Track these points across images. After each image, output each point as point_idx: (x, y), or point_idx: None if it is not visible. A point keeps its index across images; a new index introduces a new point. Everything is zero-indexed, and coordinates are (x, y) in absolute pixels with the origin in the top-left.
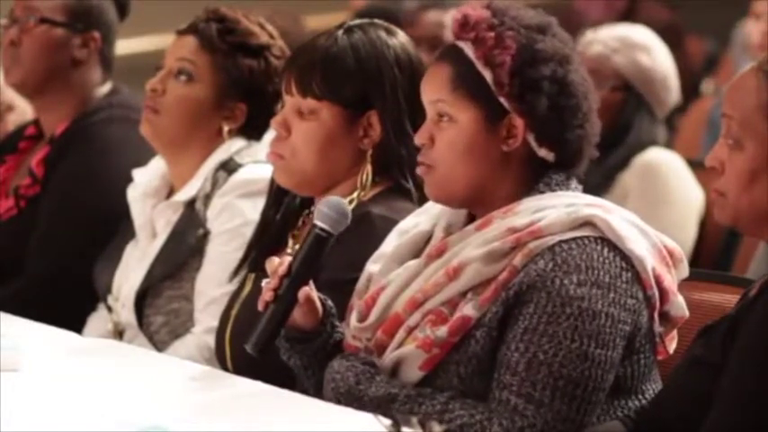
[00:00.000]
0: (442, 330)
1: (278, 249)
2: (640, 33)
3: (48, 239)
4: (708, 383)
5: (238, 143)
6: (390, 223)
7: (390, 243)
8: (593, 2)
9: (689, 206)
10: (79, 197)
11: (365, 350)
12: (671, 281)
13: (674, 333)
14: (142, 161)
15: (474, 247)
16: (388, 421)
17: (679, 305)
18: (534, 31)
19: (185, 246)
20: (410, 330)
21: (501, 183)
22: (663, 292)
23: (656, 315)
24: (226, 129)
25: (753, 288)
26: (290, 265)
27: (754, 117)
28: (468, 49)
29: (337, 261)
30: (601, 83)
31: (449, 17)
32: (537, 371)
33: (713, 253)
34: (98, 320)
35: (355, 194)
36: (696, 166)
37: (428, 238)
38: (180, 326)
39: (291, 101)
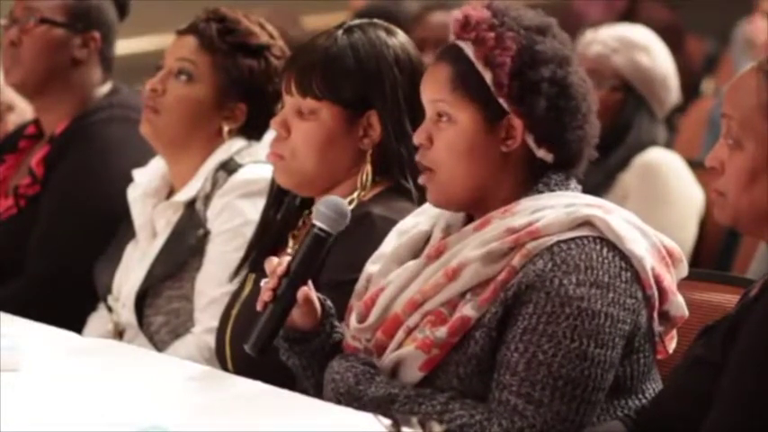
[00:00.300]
0: (442, 331)
1: (278, 249)
2: (640, 33)
3: (47, 239)
4: (708, 383)
5: (238, 143)
6: (390, 223)
7: (390, 243)
8: (592, 2)
9: (689, 206)
10: (79, 197)
11: (365, 351)
12: (670, 280)
13: (674, 333)
14: (142, 161)
15: (473, 247)
16: (388, 421)
17: (678, 305)
18: (534, 33)
19: (185, 246)
20: (409, 331)
21: (500, 184)
22: (662, 292)
23: (655, 315)
24: (226, 129)
25: (753, 288)
26: (289, 265)
27: (754, 117)
28: (468, 49)
29: (337, 261)
30: (600, 83)
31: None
32: (536, 371)
33: (713, 253)
34: (98, 320)
35: (355, 194)
36: (696, 166)
37: (427, 238)
38: (180, 326)
39: (291, 101)
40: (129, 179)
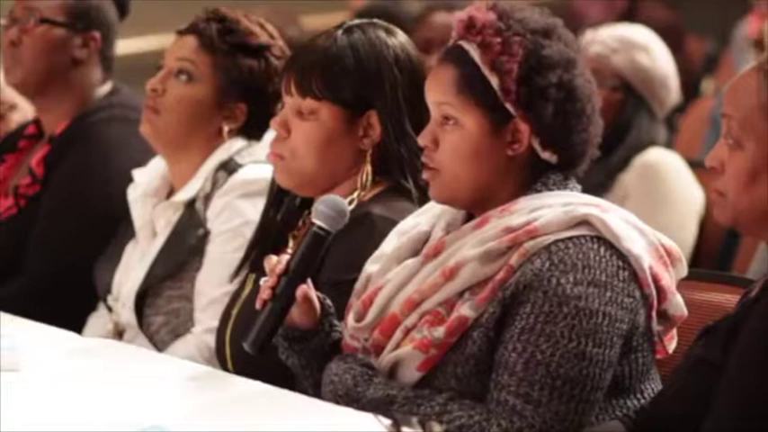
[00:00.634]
0: (440, 331)
1: (278, 250)
2: (640, 33)
3: (48, 239)
4: (708, 384)
5: (238, 143)
6: (390, 223)
7: (390, 244)
8: (593, 2)
9: (689, 206)
10: (79, 197)
11: (363, 350)
12: (669, 280)
13: (674, 332)
14: (142, 161)
15: (470, 246)
16: (388, 421)
17: (677, 304)
18: (541, 36)
19: (185, 246)
20: (407, 331)
21: (504, 184)
22: (660, 291)
23: (653, 314)
24: (226, 129)
25: (754, 288)
26: (288, 264)
27: (754, 117)
28: (473, 51)
29: (337, 261)
30: (601, 83)
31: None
32: (534, 371)
33: (713, 253)
34: (98, 320)
35: (355, 194)
36: (696, 166)
37: (427, 238)
38: (180, 326)
39: (291, 101)
40: (129, 179)
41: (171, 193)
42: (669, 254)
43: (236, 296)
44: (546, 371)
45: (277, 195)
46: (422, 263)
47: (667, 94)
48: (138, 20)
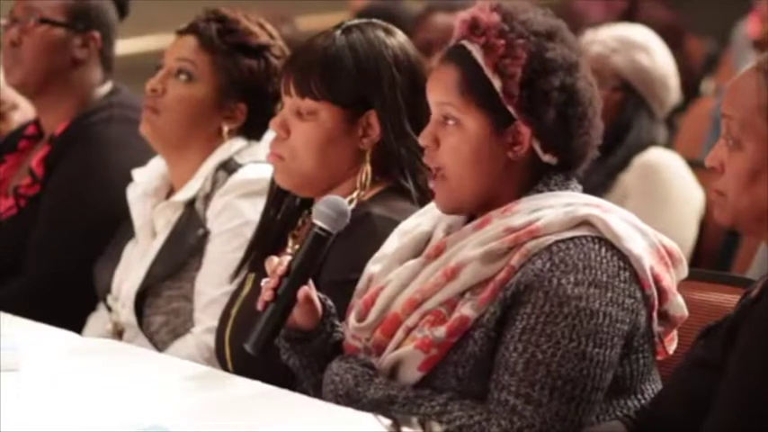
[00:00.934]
0: (441, 331)
1: (278, 249)
2: (640, 33)
3: (48, 239)
4: (708, 384)
5: (238, 143)
6: (390, 223)
7: (391, 244)
8: (593, 2)
9: (689, 206)
10: (79, 197)
11: (364, 350)
12: (670, 280)
13: (674, 333)
14: (142, 161)
15: (472, 247)
16: (388, 421)
17: (678, 305)
18: (544, 39)
19: (185, 246)
20: (408, 331)
21: (505, 186)
22: (661, 292)
23: (654, 314)
24: (226, 129)
25: (754, 288)
26: (290, 265)
27: (754, 117)
28: (476, 52)
29: (337, 261)
30: (600, 83)
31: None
32: (535, 371)
33: (713, 253)
34: (98, 320)
35: (355, 194)
36: (696, 166)
37: (428, 238)
38: (180, 326)
39: (290, 102)
40: (129, 179)
41: (171, 192)
42: (670, 254)
43: (235, 296)
44: (546, 371)
45: (277, 195)
46: (423, 263)
47: (667, 94)
48: (138, 20)
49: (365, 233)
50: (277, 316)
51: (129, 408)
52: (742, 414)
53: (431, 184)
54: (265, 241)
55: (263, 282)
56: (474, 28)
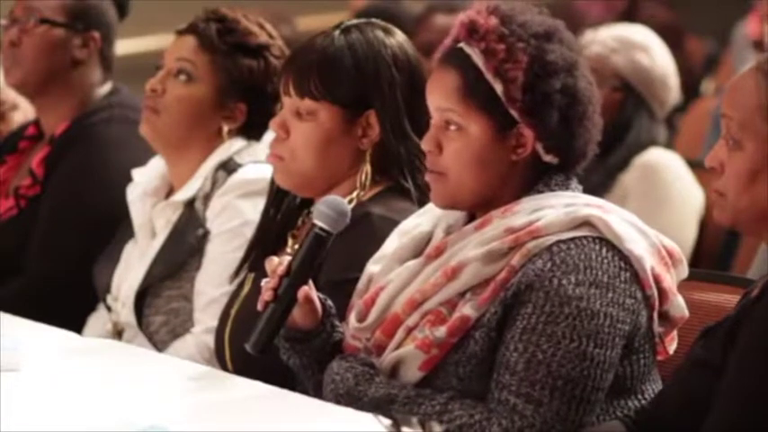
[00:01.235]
0: (441, 331)
1: (278, 249)
2: (639, 33)
3: (48, 239)
4: (709, 385)
5: (238, 143)
6: (390, 223)
7: (391, 243)
8: (593, 2)
9: (689, 206)
10: (79, 197)
11: (364, 350)
12: (670, 281)
13: (674, 334)
14: (142, 161)
15: (473, 247)
16: (388, 421)
17: (679, 305)
18: (544, 40)
19: (185, 246)
20: (409, 331)
21: (506, 187)
22: (662, 292)
23: (655, 315)
24: (225, 129)
25: (754, 288)
26: (290, 265)
27: (754, 117)
28: (476, 56)
29: (337, 261)
30: (600, 83)
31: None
32: (536, 371)
33: (713, 253)
34: (98, 320)
35: (355, 194)
36: (696, 166)
37: (429, 238)
38: (179, 326)
39: (289, 102)
40: (129, 179)
41: (170, 192)
42: (670, 255)
43: (235, 296)
44: (547, 371)
45: (277, 195)
46: (424, 263)
47: (667, 94)
48: (138, 20)
49: (365, 233)
50: (277, 316)
51: (129, 408)
52: (742, 414)
53: (427, 178)
54: (265, 241)
55: (263, 282)
56: (473, 32)
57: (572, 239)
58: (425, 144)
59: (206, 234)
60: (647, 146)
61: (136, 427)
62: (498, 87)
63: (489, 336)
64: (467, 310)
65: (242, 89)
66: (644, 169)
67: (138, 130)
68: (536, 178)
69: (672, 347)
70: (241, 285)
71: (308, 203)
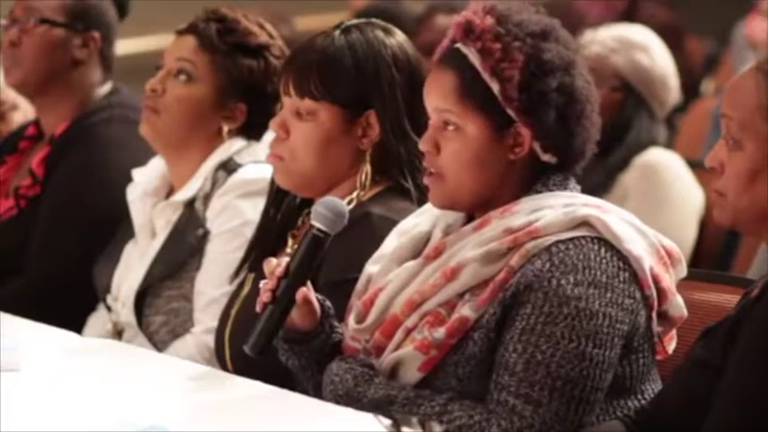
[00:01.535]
0: (440, 332)
1: (278, 250)
2: (639, 33)
3: (48, 239)
4: (708, 385)
5: (238, 143)
6: (390, 223)
7: (390, 244)
8: (593, 2)
9: (689, 206)
10: (79, 197)
11: (364, 351)
12: (669, 281)
13: (674, 333)
14: (142, 161)
15: (471, 247)
16: (388, 421)
17: (678, 305)
18: (540, 39)
19: (185, 246)
20: (408, 332)
21: (504, 187)
22: (661, 292)
23: (654, 315)
24: (225, 129)
25: (754, 288)
26: (288, 266)
27: (754, 117)
28: (472, 56)
29: (337, 261)
30: (600, 83)
31: None
32: (535, 371)
33: (713, 253)
34: (98, 320)
35: (355, 194)
36: (696, 166)
37: (427, 238)
38: (179, 326)
39: (289, 102)
40: (129, 179)
41: (170, 192)
42: (669, 255)
43: (235, 296)
44: (546, 371)
45: (277, 195)
46: (422, 264)
47: (667, 94)
48: (138, 20)
49: (365, 233)
50: (275, 317)
51: (129, 408)
52: (742, 414)
53: (425, 180)
54: (265, 241)
55: (262, 283)
56: (469, 32)
57: (571, 240)
58: (423, 145)
59: (206, 234)
60: (647, 146)
61: (136, 427)
62: (495, 86)
63: (488, 337)
64: (466, 311)
65: (242, 89)
66: (644, 169)
67: (138, 130)
68: (534, 178)
69: (671, 347)
70: (241, 286)
71: (308, 203)
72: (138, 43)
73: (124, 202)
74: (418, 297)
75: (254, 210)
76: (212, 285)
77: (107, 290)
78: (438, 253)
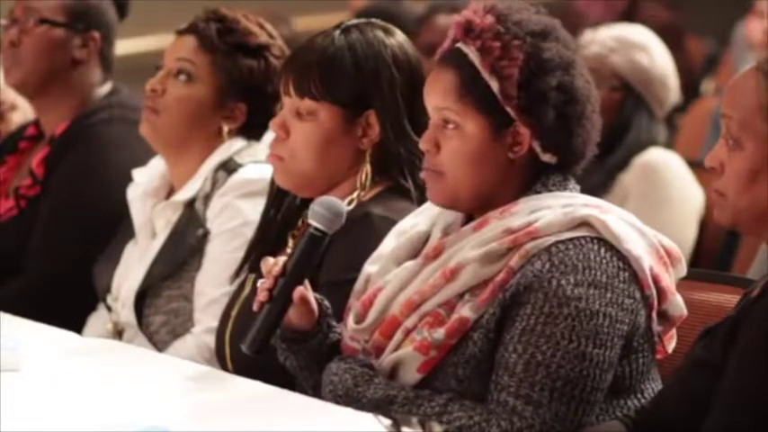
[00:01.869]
0: (440, 332)
1: (278, 250)
2: (638, 33)
3: (48, 240)
4: (708, 385)
5: (238, 143)
6: (390, 223)
7: (388, 244)
8: (592, 2)
9: (689, 206)
10: (79, 197)
11: (363, 352)
12: (669, 280)
13: (673, 332)
14: (142, 161)
15: (471, 248)
16: (388, 421)
17: (677, 304)
18: (540, 38)
19: (185, 246)
20: (407, 332)
21: (504, 186)
22: (661, 292)
23: (654, 314)
24: (226, 129)
25: (754, 288)
26: (285, 265)
27: (754, 117)
28: (472, 55)
29: (336, 261)
30: (600, 83)
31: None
32: (535, 372)
33: (713, 253)
34: (98, 320)
35: (355, 194)
36: (696, 166)
37: (426, 238)
38: (180, 326)
39: (289, 102)
40: (129, 179)
41: (171, 192)
42: (669, 254)
43: (235, 296)
44: (546, 372)
45: (277, 195)
46: (422, 264)
47: (667, 94)
48: (138, 20)
49: (365, 233)
50: (272, 317)
51: (129, 408)
52: (742, 413)
53: (422, 175)
54: (265, 241)
55: (259, 283)
56: (469, 31)
57: (570, 240)
58: (423, 143)
59: (206, 234)
60: (647, 146)
61: (136, 427)
62: (494, 85)
63: (488, 337)
64: (465, 311)
65: (242, 89)
66: (644, 169)
67: (138, 130)
68: (534, 178)
69: (671, 346)
70: (242, 286)
71: (308, 203)
72: (138, 43)
73: (124, 202)
74: (418, 297)
75: (254, 210)
76: (212, 285)
77: (107, 290)
78: (437, 253)
